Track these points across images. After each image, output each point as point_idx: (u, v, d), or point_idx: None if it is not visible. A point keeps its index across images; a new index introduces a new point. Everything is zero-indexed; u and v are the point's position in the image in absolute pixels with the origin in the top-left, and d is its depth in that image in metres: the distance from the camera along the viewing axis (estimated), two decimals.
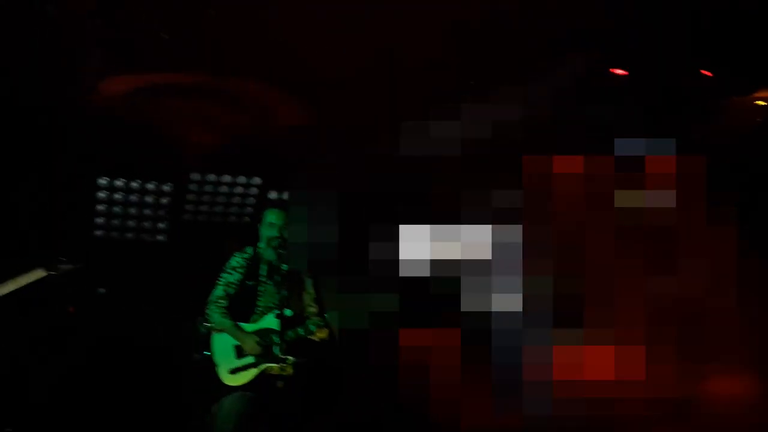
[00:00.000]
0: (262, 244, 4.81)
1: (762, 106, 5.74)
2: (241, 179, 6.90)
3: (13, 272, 4.73)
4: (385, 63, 4.81)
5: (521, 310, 5.51)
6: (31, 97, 5.21)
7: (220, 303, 4.73)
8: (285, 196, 7.12)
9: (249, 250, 4.88)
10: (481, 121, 5.59)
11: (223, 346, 4.68)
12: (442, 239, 5.83)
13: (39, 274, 4.74)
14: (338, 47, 4.61)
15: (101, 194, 6.43)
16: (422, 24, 4.28)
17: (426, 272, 5.81)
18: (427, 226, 5.81)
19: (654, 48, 4.93)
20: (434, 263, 5.81)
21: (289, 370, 4.50)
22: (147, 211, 6.64)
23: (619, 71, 5.04)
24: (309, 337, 4.71)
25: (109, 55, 4.15)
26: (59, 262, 4.82)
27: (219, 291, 4.76)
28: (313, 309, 4.89)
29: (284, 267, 4.61)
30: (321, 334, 4.75)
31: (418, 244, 5.93)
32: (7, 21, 3.88)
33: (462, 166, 5.98)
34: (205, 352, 5.44)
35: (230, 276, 4.78)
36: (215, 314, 4.71)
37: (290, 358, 4.42)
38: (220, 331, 4.70)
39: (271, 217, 4.80)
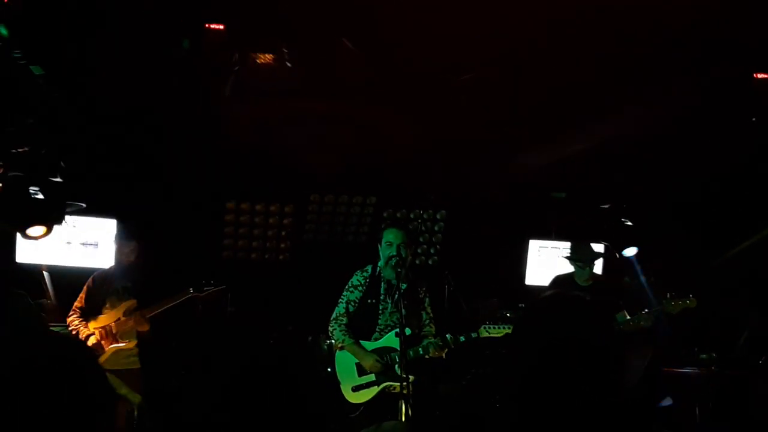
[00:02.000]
0: (381, 263, 4.86)
1: None
2: (358, 199, 7.05)
3: (164, 292, 5.35)
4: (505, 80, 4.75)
5: None
6: (164, 127, 5.59)
7: (341, 320, 4.82)
8: (399, 214, 7.21)
9: (369, 268, 4.95)
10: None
11: (345, 364, 4.77)
12: None
13: (188, 293, 5.22)
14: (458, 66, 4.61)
15: (228, 217, 6.76)
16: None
17: None
18: None
19: None
20: None
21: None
22: (270, 232, 6.91)
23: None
24: (428, 356, 4.73)
25: (236, 83, 4.36)
26: (205, 285, 5.27)
27: (340, 308, 4.86)
28: (430, 329, 4.89)
29: (403, 286, 4.62)
30: (439, 354, 4.76)
31: None
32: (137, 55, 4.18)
33: None
34: (328, 369, 5.62)
35: (351, 294, 4.87)
36: (337, 331, 4.81)
37: (410, 377, 4.41)
38: (342, 348, 4.79)
39: (389, 236, 4.83)
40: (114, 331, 5.19)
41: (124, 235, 5.52)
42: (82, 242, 6.19)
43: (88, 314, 5.32)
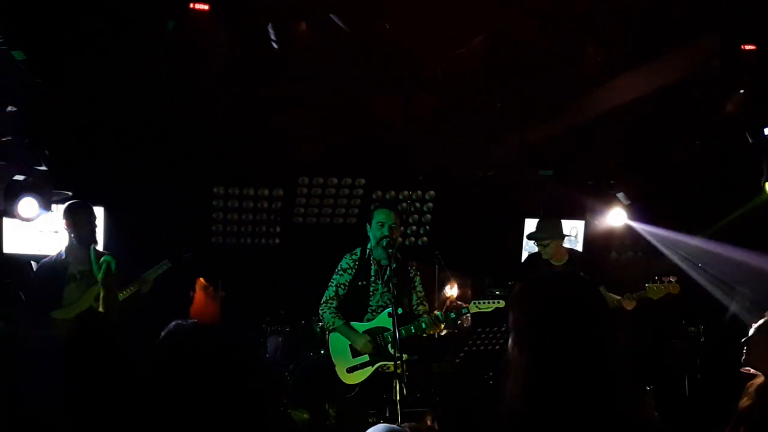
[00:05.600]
0: (371, 244, 4.86)
1: None
2: (347, 181, 7.04)
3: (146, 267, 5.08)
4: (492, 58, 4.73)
5: None
6: (158, 111, 5.51)
7: (330, 303, 4.82)
8: (388, 195, 7.22)
9: (358, 250, 4.94)
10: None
11: (339, 346, 4.78)
12: None
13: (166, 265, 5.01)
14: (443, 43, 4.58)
15: (216, 202, 6.72)
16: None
17: None
18: None
19: None
20: None
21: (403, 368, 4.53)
22: (260, 216, 6.88)
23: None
24: (421, 334, 4.76)
25: (225, 67, 4.31)
26: (183, 253, 5.07)
27: (330, 292, 4.86)
28: (423, 307, 4.91)
29: (393, 266, 4.63)
30: (432, 332, 4.79)
31: None
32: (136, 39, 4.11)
33: None
34: (321, 351, 5.63)
35: (341, 277, 4.86)
36: (327, 314, 4.81)
37: (404, 355, 4.43)
38: (333, 330, 4.80)
39: (380, 216, 4.81)
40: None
41: (77, 203, 4.89)
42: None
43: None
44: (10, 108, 4.25)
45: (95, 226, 4.94)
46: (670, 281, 5.31)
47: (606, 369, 1.69)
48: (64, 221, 4.91)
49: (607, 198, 7.11)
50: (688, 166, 6.67)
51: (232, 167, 6.54)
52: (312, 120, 5.87)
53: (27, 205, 4.99)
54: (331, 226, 7.15)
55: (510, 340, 1.80)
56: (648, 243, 7.14)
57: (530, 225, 7.44)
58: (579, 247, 7.30)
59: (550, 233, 5.44)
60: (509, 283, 6.76)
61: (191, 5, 3.59)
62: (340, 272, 4.89)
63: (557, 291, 1.80)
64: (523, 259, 6.47)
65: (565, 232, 5.62)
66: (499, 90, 5.05)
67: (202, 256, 5.45)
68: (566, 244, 5.70)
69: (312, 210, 7.08)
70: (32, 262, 5.93)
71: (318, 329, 6.14)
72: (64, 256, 4.93)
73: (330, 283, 4.91)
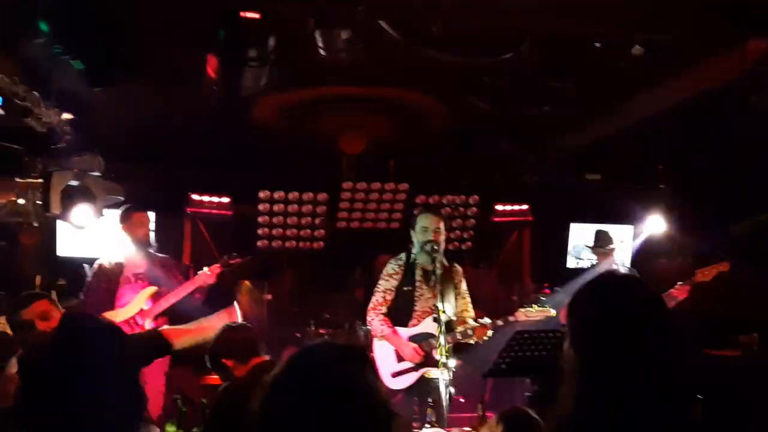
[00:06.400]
0: (416, 249, 4.85)
1: None
2: (390, 185, 7.06)
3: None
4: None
5: None
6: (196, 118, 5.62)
7: (379, 309, 4.82)
8: (432, 200, 7.20)
9: (402, 256, 4.94)
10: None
11: (384, 351, 4.79)
12: None
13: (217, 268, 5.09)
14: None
15: (262, 206, 6.81)
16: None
17: None
18: None
19: None
20: None
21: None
22: (304, 220, 6.94)
23: None
24: (467, 340, 4.72)
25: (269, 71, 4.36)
26: (229, 258, 5.17)
27: (378, 297, 4.86)
28: (468, 312, 4.88)
29: (438, 271, 4.61)
30: (479, 338, 4.75)
31: None
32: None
33: None
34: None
35: (386, 282, 4.86)
36: (375, 321, 4.81)
37: (450, 361, 4.41)
38: (381, 338, 4.80)
39: (424, 221, 4.81)
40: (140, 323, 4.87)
41: (132, 208, 5.06)
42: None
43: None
44: (66, 115, 4.37)
45: (150, 230, 5.08)
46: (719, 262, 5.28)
47: (664, 375, 1.65)
48: (120, 225, 5.06)
49: (654, 203, 6.99)
50: (737, 170, 6.50)
51: (277, 172, 6.62)
52: (356, 125, 5.91)
53: (81, 212, 5.17)
54: (374, 231, 7.18)
55: (565, 345, 1.78)
56: (698, 248, 6.99)
57: (575, 229, 7.36)
58: (628, 253, 7.19)
59: (609, 243, 5.51)
60: (555, 289, 6.68)
61: (241, 13, 3.65)
62: (386, 277, 4.89)
63: (615, 293, 1.77)
64: (568, 265, 6.42)
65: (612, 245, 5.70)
66: (547, 93, 4.99)
67: (247, 259, 5.53)
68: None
69: (355, 214, 7.12)
70: (85, 265, 6.11)
71: (362, 333, 6.16)
72: (119, 260, 5.08)
73: (376, 289, 4.91)
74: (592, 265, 5.86)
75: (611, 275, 1.98)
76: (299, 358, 1.42)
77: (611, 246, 5.70)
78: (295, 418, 1.31)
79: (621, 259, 7.17)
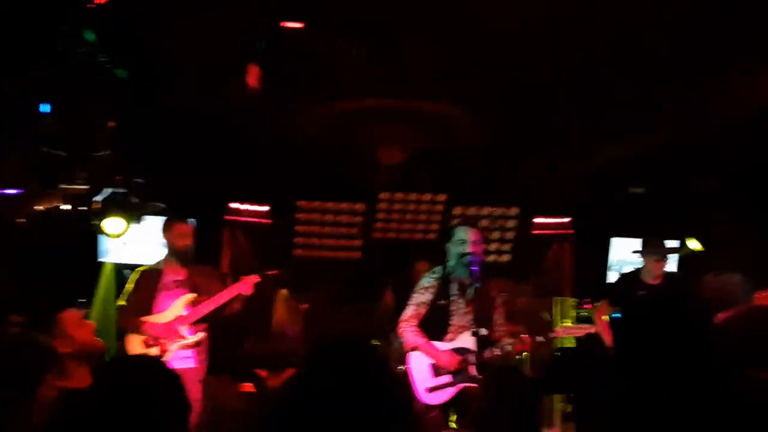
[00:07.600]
0: (452, 262, 4.78)
1: None
2: (427, 196, 7.01)
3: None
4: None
5: None
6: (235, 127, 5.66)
7: (411, 322, 4.74)
8: (469, 212, 7.13)
9: (438, 269, 4.85)
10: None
11: (419, 365, 4.71)
12: None
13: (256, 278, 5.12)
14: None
15: (299, 216, 6.83)
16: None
17: None
18: None
19: None
20: None
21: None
22: (341, 230, 6.94)
23: None
24: (505, 356, 4.63)
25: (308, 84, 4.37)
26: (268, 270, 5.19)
27: (410, 310, 4.78)
28: (505, 327, 4.78)
29: (476, 285, 4.52)
30: (517, 353, 4.65)
31: None
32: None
33: None
34: (400, 367, 5.57)
35: (421, 296, 4.78)
36: (406, 332, 4.74)
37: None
38: (414, 349, 4.73)
39: (461, 233, 4.72)
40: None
41: (175, 218, 5.10)
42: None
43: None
44: (110, 123, 4.45)
45: (191, 240, 5.13)
46: None
47: (713, 392, 1.60)
48: (162, 233, 5.14)
49: (699, 217, 6.79)
50: None
51: (315, 181, 6.64)
52: (394, 136, 5.89)
53: (114, 223, 5.42)
54: (410, 242, 7.13)
55: (610, 362, 1.73)
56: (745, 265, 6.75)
57: (617, 244, 7.19)
58: (674, 266, 7.00)
59: (661, 250, 5.30)
60: (595, 303, 6.54)
61: (282, 23, 3.65)
62: (421, 290, 4.80)
63: (663, 311, 1.71)
64: (610, 280, 6.25)
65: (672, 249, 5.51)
66: (591, 105, 4.91)
67: (285, 271, 5.54)
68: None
69: (392, 225, 7.08)
70: (124, 271, 6.20)
71: (397, 344, 6.10)
72: (158, 266, 5.15)
73: (410, 302, 4.83)
74: (637, 270, 5.56)
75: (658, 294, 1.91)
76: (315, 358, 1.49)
77: (664, 251, 5.39)
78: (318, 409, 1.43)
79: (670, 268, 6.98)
